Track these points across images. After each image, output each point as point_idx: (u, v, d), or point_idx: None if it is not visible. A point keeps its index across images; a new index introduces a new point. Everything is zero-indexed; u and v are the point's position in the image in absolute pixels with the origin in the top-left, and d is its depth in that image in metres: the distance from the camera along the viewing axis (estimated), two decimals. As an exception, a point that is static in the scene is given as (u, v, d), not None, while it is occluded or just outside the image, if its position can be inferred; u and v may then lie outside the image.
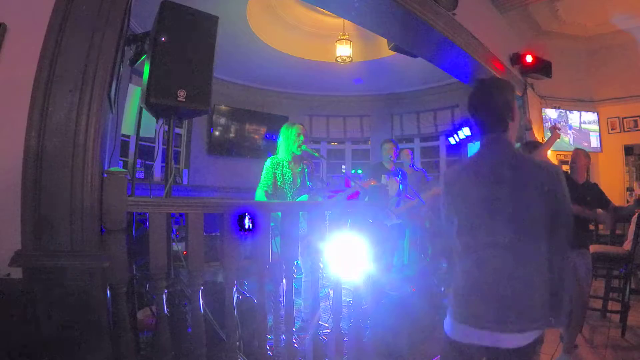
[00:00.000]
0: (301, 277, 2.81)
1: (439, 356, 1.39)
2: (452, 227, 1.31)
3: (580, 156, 2.67)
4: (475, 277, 1.21)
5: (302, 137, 2.80)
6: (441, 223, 1.39)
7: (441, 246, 4.57)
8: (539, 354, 1.23)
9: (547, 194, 1.18)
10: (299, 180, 2.86)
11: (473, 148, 5.58)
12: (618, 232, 3.98)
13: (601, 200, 2.64)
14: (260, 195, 2.72)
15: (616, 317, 3.08)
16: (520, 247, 1.18)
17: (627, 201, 4.94)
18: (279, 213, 1.93)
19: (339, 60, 4.72)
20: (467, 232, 1.26)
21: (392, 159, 3.82)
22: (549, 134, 3.35)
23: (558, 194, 1.20)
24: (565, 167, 2.72)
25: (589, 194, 2.59)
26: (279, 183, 2.76)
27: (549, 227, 1.19)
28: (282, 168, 2.79)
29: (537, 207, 1.18)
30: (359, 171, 4.93)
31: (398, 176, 3.80)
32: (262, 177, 2.76)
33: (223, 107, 6.22)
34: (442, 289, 3.74)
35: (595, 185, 2.74)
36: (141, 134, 2.20)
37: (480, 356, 1.23)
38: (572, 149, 2.96)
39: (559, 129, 3.25)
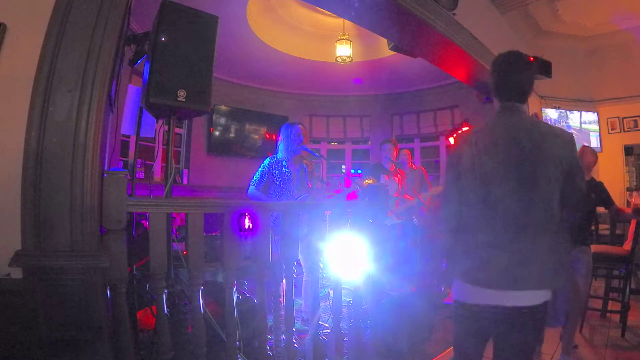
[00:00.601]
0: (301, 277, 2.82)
1: (438, 356, 1.40)
2: (459, 194, 1.31)
3: (588, 153, 2.64)
4: (490, 242, 1.24)
5: (301, 137, 2.80)
6: (445, 196, 1.37)
7: (442, 246, 4.58)
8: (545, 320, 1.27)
9: (563, 162, 1.23)
10: (298, 180, 2.86)
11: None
12: (618, 232, 3.98)
13: (605, 199, 2.63)
14: (250, 190, 2.74)
15: (616, 317, 3.08)
16: (538, 213, 1.22)
17: (627, 202, 4.95)
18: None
19: (339, 60, 4.72)
20: (480, 199, 1.26)
21: (392, 159, 3.82)
22: None
23: (572, 161, 1.25)
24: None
25: (594, 191, 2.59)
26: (278, 183, 2.76)
27: (561, 200, 1.24)
28: (282, 168, 2.79)
29: (554, 172, 1.22)
30: (359, 171, 4.93)
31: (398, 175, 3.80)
32: (256, 174, 2.79)
33: (223, 107, 6.21)
34: (442, 289, 3.74)
35: (601, 183, 2.71)
36: (141, 134, 2.20)
37: (494, 317, 1.27)
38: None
39: None
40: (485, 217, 1.26)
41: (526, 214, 1.22)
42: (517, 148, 1.23)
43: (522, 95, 1.33)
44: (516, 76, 1.33)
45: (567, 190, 1.24)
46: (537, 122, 1.33)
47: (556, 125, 1.35)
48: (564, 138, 1.27)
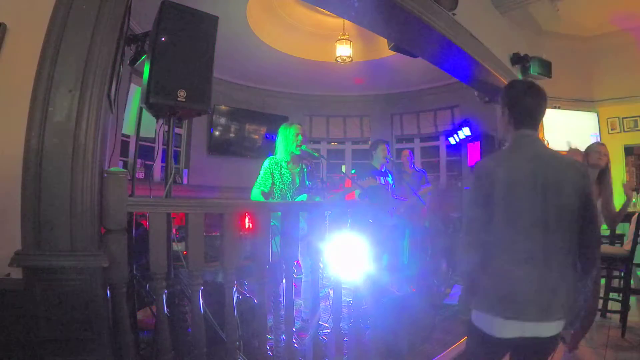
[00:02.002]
0: (301, 277, 2.81)
1: (438, 356, 1.41)
2: (481, 222, 1.30)
3: (577, 156, 2.67)
4: (519, 273, 1.24)
5: (300, 137, 2.79)
6: (468, 219, 1.36)
7: (442, 246, 4.58)
8: None
9: (579, 192, 1.27)
10: (297, 181, 2.85)
11: (473, 148, 5.57)
12: (618, 232, 3.98)
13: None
14: (256, 194, 2.70)
15: (616, 317, 3.08)
16: (559, 243, 1.25)
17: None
18: (279, 213, 1.93)
19: (339, 60, 4.72)
20: (505, 226, 1.26)
21: (384, 160, 3.81)
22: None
23: (587, 192, 1.29)
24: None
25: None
26: (277, 183, 2.76)
27: (579, 225, 1.28)
28: (281, 168, 2.79)
29: (573, 203, 1.26)
30: (352, 171, 4.94)
31: (388, 177, 3.80)
32: (260, 176, 2.75)
33: (223, 107, 6.21)
34: (442, 289, 3.75)
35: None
36: (141, 134, 2.20)
37: (518, 347, 1.30)
38: (570, 149, 2.96)
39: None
40: (514, 247, 1.26)
41: (553, 244, 1.24)
42: (543, 177, 1.26)
43: (535, 123, 1.37)
44: (530, 104, 1.37)
45: (585, 219, 1.29)
46: (555, 152, 1.38)
47: (572, 159, 1.40)
48: (581, 170, 1.32)
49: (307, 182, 2.90)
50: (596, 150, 2.65)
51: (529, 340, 1.24)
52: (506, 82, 1.58)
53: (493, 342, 1.29)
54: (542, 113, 1.39)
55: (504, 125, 1.43)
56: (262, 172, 2.76)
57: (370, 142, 4.87)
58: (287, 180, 2.78)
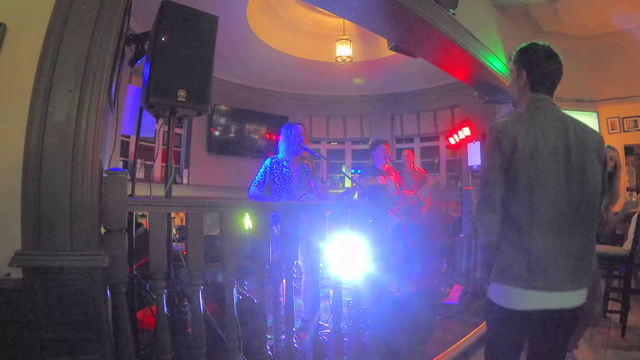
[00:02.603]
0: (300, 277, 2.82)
1: (438, 356, 1.39)
2: (501, 186, 1.23)
3: None
4: (544, 241, 1.19)
5: (301, 137, 2.80)
6: (487, 183, 1.26)
7: (442, 246, 4.58)
8: None
9: (599, 156, 1.26)
10: (299, 181, 2.85)
11: (473, 148, 5.57)
12: (618, 232, 3.98)
13: None
14: (252, 190, 2.74)
15: (616, 317, 3.08)
16: (583, 209, 1.22)
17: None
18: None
19: (339, 60, 4.72)
20: (529, 192, 1.20)
21: (384, 159, 3.81)
22: None
23: (604, 157, 1.29)
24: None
25: None
26: (278, 183, 2.76)
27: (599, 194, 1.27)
28: (282, 168, 2.79)
29: (596, 168, 1.24)
30: (358, 171, 4.94)
31: (391, 176, 3.80)
32: (257, 174, 2.79)
33: (223, 107, 6.22)
34: (442, 289, 3.75)
35: None
36: (141, 134, 2.20)
37: (542, 322, 1.24)
38: None
39: None
40: (541, 212, 1.19)
41: (578, 209, 1.21)
42: (567, 141, 1.22)
43: (553, 87, 1.34)
44: (551, 66, 1.34)
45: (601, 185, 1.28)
46: (572, 116, 1.33)
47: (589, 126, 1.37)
48: (599, 135, 1.32)
49: (309, 182, 2.90)
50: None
51: (552, 313, 1.20)
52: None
53: (515, 318, 1.23)
54: (560, 78, 1.36)
55: (519, 88, 1.38)
56: (261, 169, 2.79)
57: (370, 142, 4.88)
58: (289, 180, 2.79)
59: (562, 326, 1.25)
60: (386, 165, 3.79)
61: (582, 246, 1.22)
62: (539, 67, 1.34)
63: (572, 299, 1.22)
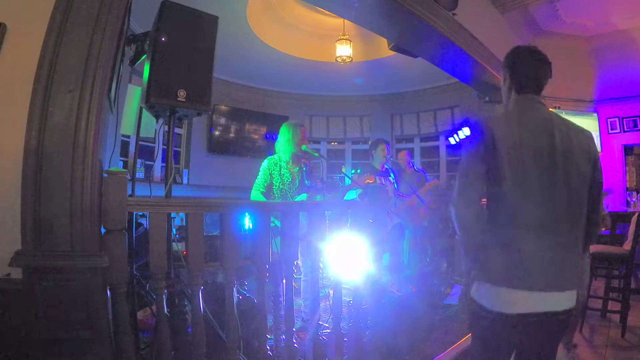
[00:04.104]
0: (300, 278, 2.81)
1: (438, 356, 1.37)
2: (483, 178, 1.22)
3: None
4: (528, 240, 1.18)
5: (301, 137, 2.79)
6: (467, 175, 1.24)
7: (442, 246, 4.58)
8: None
9: (589, 157, 1.25)
10: (297, 181, 2.85)
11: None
12: (618, 232, 3.98)
13: None
14: (255, 195, 2.69)
15: (616, 317, 3.08)
16: (569, 209, 1.21)
17: (627, 202, 4.95)
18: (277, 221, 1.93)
19: (339, 60, 4.72)
20: (514, 191, 1.19)
21: (384, 159, 3.80)
22: None
23: (596, 157, 1.27)
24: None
25: None
26: (277, 183, 2.75)
27: (587, 195, 1.25)
28: (280, 169, 2.78)
29: (584, 169, 1.23)
30: (358, 171, 4.95)
31: (390, 176, 3.79)
32: (258, 177, 2.75)
33: (223, 107, 6.21)
34: (442, 289, 3.74)
35: None
36: (141, 134, 2.20)
37: (528, 327, 1.19)
38: None
39: None
40: (524, 211, 1.18)
41: (563, 208, 1.20)
42: (551, 140, 1.21)
43: (539, 88, 1.34)
44: (533, 68, 1.34)
45: (593, 185, 1.26)
46: (561, 116, 1.31)
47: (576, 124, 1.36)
48: (588, 134, 1.30)
49: (306, 181, 2.90)
50: None
51: (541, 317, 1.17)
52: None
53: (507, 322, 1.19)
54: (546, 78, 1.35)
55: (506, 90, 1.40)
56: (260, 172, 2.75)
57: (370, 142, 4.89)
58: (287, 180, 2.78)
59: (551, 331, 1.22)
60: (385, 166, 3.79)
61: (567, 246, 1.20)
62: (521, 69, 1.35)
63: (559, 301, 1.19)
